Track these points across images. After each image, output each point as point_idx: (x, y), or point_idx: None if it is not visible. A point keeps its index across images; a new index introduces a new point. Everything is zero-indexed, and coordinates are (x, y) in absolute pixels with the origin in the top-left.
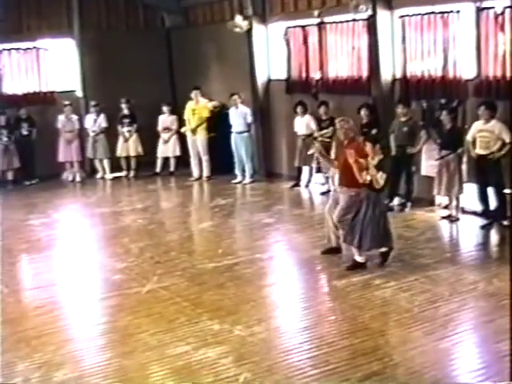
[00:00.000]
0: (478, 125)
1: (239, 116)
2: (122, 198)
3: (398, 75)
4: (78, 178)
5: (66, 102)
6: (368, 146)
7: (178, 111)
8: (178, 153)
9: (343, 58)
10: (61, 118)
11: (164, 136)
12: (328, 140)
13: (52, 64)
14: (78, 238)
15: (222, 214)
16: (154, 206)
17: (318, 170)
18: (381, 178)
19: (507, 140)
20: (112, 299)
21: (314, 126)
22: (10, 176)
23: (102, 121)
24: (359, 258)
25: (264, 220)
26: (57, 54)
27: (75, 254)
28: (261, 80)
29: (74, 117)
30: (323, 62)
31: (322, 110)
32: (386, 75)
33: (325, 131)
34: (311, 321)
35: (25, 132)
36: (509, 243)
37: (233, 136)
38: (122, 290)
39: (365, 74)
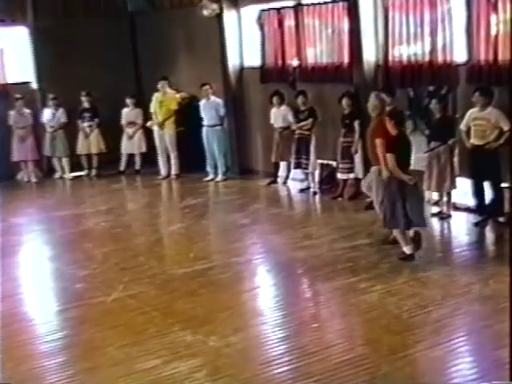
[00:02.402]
0: (472, 112)
1: (211, 108)
2: (84, 199)
3: (382, 61)
4: (34, 179)
5: (18, 96)
6: (390, 123)
7: (143, 104)
8: (143, 149)
9: (322, 43)
10: (12, 113)
11: (128, 131)
12: (307, 133)
13: (4, 54)
14: (36, 244)
15: (193, 214)
16: (118, 208)
17: (297, 166)
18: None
19: (505, 128)
20: (74, 310)
21: (291, 117)
22: None
23: (61, 115)
24: (406, 249)
25: (239, 220)
26: (9, 42)
27: (33, 262)
28: (233, 68)
29: (27, 111)
30: (301, 47)
31: (300, 100)
32: (368, 61)
33: (303, 123)
34: (292, 329)
35: None
36: (508, 241)
37: (204, 130)
38: (84, 299)
39: (346, 60)
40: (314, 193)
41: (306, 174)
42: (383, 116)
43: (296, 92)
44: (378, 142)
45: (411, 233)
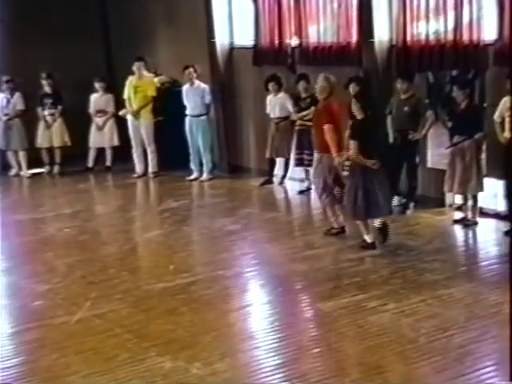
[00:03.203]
0: (506, 101)
1: (195, 95)
2: (44, 200)
3: (397, 41)
4: (26, 173)
5: None
6: (356, 105)
7: (115, 89)
8: (115, 142)
9: (326, 19)
10: None
11: (97, 121)
12: (309, 123)
13: None
14: None
15: (173, 219)
16: (85, 211)
17: (299, 163)
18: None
19: None
20: (31, 332)
21: (290, 106)
22: None
23: (18, 101)
24: (367, 237)
25: (228, 227)
26: None
27: None
28: (221, 48)
29: None
30: (301, 24)
31: (301, 85)
32: (381, 41)
33: (305, 112)
34: (289, 355)
35: None
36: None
37: (187, 120)
38: (44, 319)
39: (354, 39)
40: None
41: (307, 172)
42: (331, 99)
43: (296, 76)
44: (327, 127)
45: (377, 223)
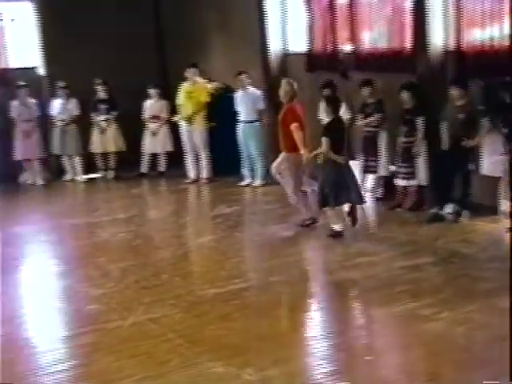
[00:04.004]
0: None
1: (248, 101)
2: (99, 205)
3: (452, 47)
4: (40, 181)
5: (21, 83)
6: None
7: (169, 95)
8: (169, 148)
9: (380, 24)
10: (15, 103)
11: (151, 127)
12: (374, 129)
13: (5, 33)
14: (42, 258)
15: (226, 225)
16: (139, 216)
17: (366, 170)
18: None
19: None
20: (85, 336)
21: (345, 112)
22: None
23: (73, 107)
24: (337, 226)
25: (280, 233)
26: (11, 20)
27: (38, 279)
28: (275, 54)
29: (32, 101)
30: (354, 30)
31: (365, 91)
32: (435, 47)
33: (371, 119)
34: (341, 363)
35: None
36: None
37: (240, 126)
38: (98, 323)
39: (408, 45)
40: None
41: (378, 180)
42: (294, 102)
43: (362, 81)
44: (294, 126)
45: (347, 207)
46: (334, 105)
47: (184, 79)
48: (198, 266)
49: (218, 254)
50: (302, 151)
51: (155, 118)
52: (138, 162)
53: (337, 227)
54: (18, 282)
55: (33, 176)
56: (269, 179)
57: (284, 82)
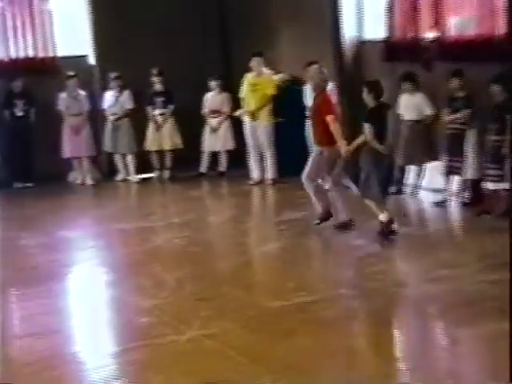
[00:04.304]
0: None
1: None
2: (153, 208)
3: None
4: (89, 181)
5: (70, 73)
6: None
7: (231, 87)
8: (230, 146)
9: (469, 8)
10: (63, 96)
11: (212, 122)
12: (462, 126)
13: (53, 19)
14: (90, 266)
15: (293, 232)
16: (197, 221)
17: (450, 171)
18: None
19: None
20: (136, 352)
21: (427, 108)
22: None
23: (126, 100)
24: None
25: (353, 241)
26: (60, 4)
27: (86, 288)
28: (349, 42)
29: (82, 94)
30: (440, 15)
31: (454, 83)
32: None
33: (459, 115)
34: None
35: (19, 112)
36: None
37: (309, 122)
38: (149, 338)
39: (501, 31)
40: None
41: (464, 183)
42: (326, 91)
43: (452, 72)
44: (331, 118)
45: (384, 217)
46: (375, 90)
47: (248, 70)
48: (261, 276)
49: (283, 264)
50: (340, 144)
51: (216, 112)
52: (196, 161)
53: (383, 217)
54: (65, 291)
55: (82, 175)
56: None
57: (314, 69)
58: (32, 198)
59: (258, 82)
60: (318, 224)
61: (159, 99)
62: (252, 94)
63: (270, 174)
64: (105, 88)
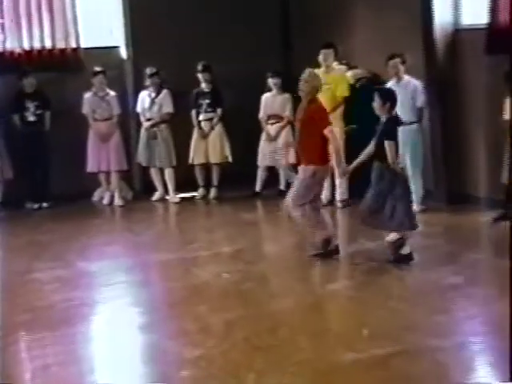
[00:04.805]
0: None
1: (403, 95)
2: (197, 234)
3: None
4: (119, 201)
5: (97, 69)
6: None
7: (293, 86)
8: (292, 159)
9: None
10: (88, 96)
11: (270, 130)
12: None
13: (77, 3)
14: (120, 305)
15: (368, 266)
16: (251, 250)
17: None
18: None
19: None
20: None
21: None
22: None
23: (165, 102)
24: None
25: (446, 279)
26: None
27: (112, 333)
28: (442, 31)
29: (111, 94)
30: None
31: None
32: None
33: None
34: None
35: (31, 117)
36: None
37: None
38: None
39: None
40: None
41: None
42: (317, 98)
43: None
44: (330, 131)
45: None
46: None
47: (315, 65)
48: (329, 320)
49: (357, 306)
50: (339, 163)
51: (275, 117)
52: (249, 178)
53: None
54: (87, 337)
55: (110, 194)
56: (428, 204)
57: (308, 73)
58: (48, 221)
59: (327, 81)
60: (316, 256)
61: (205, 101)
62: (320, 95)
63: (339, 193)
64: (139, 87)
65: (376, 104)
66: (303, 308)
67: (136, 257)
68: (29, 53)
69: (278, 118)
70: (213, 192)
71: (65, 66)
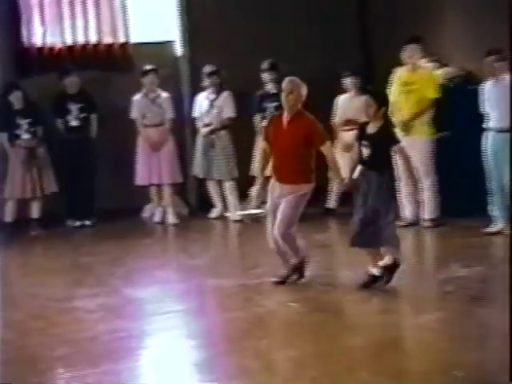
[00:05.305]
0: None
1: (501, 97)
2: (261, 257)
3: None
4: (172, 218)
5: (148, 67)
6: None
7: (374, 88)
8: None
9: None
10: (137, 98)
11: (346, 137)
12: None
13: None
14: (171, 338)
15: (461, 296)
16: (322, 276)
17: None
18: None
19: None
20: None
21: None
22: (35, 210)
23: (226, 105)
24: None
25: None
26: None
27: (163, 370)
28: None
29: (164, 95)
30: None
31: None
32: None
33: None
34: None
35: (74, 122)
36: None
37: (488, 137)
38: None
39: None
40: None
41: None
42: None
43: None
44: (328, 148)
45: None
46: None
47: (398, 63)
48: (416, 359)
49: (448, 342)
50: (339, 177)
51: (352, 122)
52: (320, 193)
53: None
54: (135, 375)
55: (162, 211)
56: None
57: (289, 82)
58: (91, 241)
59: (414, 80)
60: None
61: (271, 104)
62: (405, 97)
63: (427, 212)
64: (196, 88)
65: (369, 108)
66: (383, 344)
67: (190, 282)
68: (71, 48)
69: (354, 123)
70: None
71: (111, 64)
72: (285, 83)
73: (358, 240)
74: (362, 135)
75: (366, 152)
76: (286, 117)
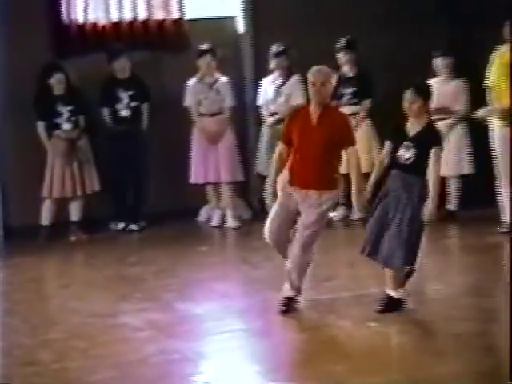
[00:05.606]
0: None
1: None
2: (335, 268)
3: None
4: (232, 222)
5: (204, 47)
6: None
7: (469, 70)
8: (468, 169)
9: None
10: (193, 83)
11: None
12: None
13: None
14: (231, 361)
15: None
16: (409, 292)
17: None
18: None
19: None
20: None
21: None
22: (75, 212)
23: (295, 91)
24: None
25: None
26: None
27: None
28: None
29: (223, 81)
30: None
31: None
32: None
33: None
34: None
35: (124, 111)
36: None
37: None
38: None
39: None
40: None
41: None
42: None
43: None
44: (354, 152)
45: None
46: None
47: (499, 41)
48: None
49: None
50: (361, 187)
51: (443, 111)
52: None
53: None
54: None
55: (220, 213)
56: None
57: (321, 72)
58: (139, 247)
59: None
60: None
61: (348, 90)
62: (505, 82)
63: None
64: (261, 72)
65: (413, 104)
66: (479, 373)
67: (254, 297)
68: (117, 26)
69: (447, 111)
70: (357, 212)
71: (163, 44)
72: (314, 74)
73: (367, 248)
74: (398, 134)
75: (406, 155)
76: (315, 111)
